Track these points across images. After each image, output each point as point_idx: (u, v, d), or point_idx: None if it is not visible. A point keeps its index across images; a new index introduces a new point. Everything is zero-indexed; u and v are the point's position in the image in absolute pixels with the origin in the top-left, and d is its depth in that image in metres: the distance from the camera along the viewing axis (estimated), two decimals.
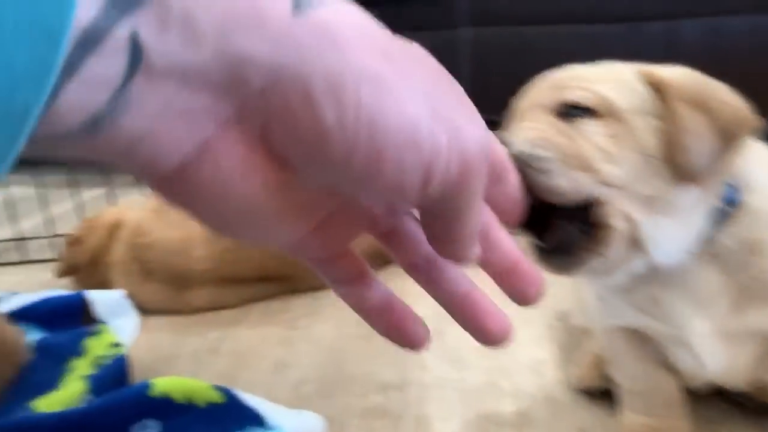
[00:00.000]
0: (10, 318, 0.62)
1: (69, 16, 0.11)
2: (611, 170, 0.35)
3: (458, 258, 0.18)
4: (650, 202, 0.35)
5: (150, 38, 0.12)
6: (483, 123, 0.17)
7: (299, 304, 0.71)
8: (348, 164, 0.14)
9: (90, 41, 0.12)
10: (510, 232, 0.21)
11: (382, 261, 0.59)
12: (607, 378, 0.47)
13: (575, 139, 0.35)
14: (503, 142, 0.36)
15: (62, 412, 0.46)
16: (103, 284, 0.70)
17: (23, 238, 0.90)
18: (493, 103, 1.33)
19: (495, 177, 0.19)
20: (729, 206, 0.37)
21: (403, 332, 0.21)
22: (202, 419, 0.45)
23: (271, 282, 0.72)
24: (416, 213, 0.20)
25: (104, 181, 1.19)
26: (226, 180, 0.15)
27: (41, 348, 0.60)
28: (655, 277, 0.38)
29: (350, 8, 0.15)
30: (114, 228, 0.72)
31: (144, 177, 0.16)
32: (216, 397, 0.46)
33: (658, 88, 0.36)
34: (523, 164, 0.34)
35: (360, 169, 0.14)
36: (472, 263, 0.19)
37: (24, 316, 0.63)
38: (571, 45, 1.14)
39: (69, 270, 0.72)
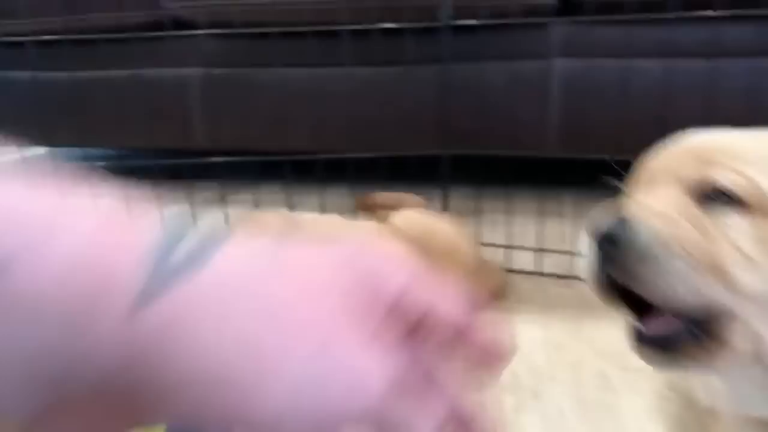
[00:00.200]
0: None
1: None
2: (750, 281, 0.28)
3: None
4: None
5: None
6: (383, 342, 0.16)
7: None
8: None
9: None
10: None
11: None
12: None
13: (712, 235, 0.29)
14: (625, 223, 0.31)
15: None
16: None
17: None
18: (584, 141, 1.25)
19: (452, 339, 0.18)
20: None
21: None
22: None
23: None
24: None
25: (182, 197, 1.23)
26: None
27: None
28: None
29: (235, 261, 0.15)
30: None
31: None
32: None
33: None
34: (638, 259, 0.29)
35: None
36: None
37: None
38: (675, 81, 1.04)
39: None
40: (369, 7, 1.03)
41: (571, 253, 0.88)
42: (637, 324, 0.32)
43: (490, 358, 0.19)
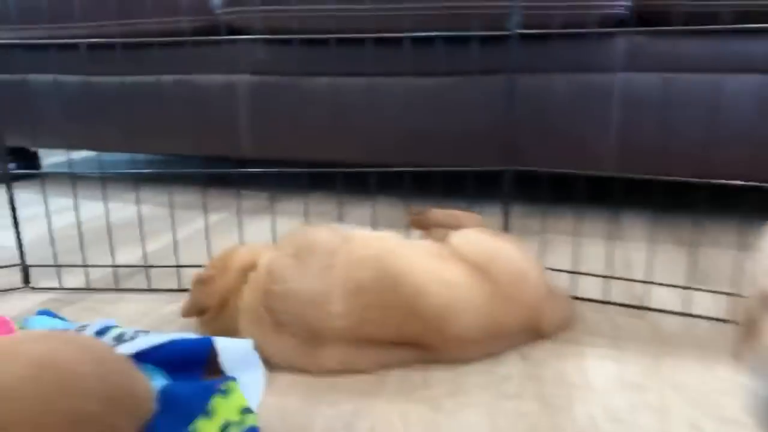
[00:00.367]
0: (134, 360, 0.60)
1: None
2: None
3: None
4: None
5: None
6: None
7: (441, 378, 0.61)
8: None
9: None
10: None
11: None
12: None
13: None
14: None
15: None
16: (229, 330, 0.65)
17: (150, 266, 0.89)
18: (641, 159, 1.17)
19: None
20: None
21: None
22: None
23: (410, 349, 0.63)
24: None
25: (228, 204, 1.20)
26: None
27: (165, 399, 0.56)
28: None
29: None
30: (247, 270, 0.68)
31: None
32: None
33: None
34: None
35: None
36: None
37: (148, 358, 0.60)
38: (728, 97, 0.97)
39: (195, 311, 0.69)
40: (434, 14, 0.98)
41: (643, 282, 0.81)
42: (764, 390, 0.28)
43: None
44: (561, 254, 0.97)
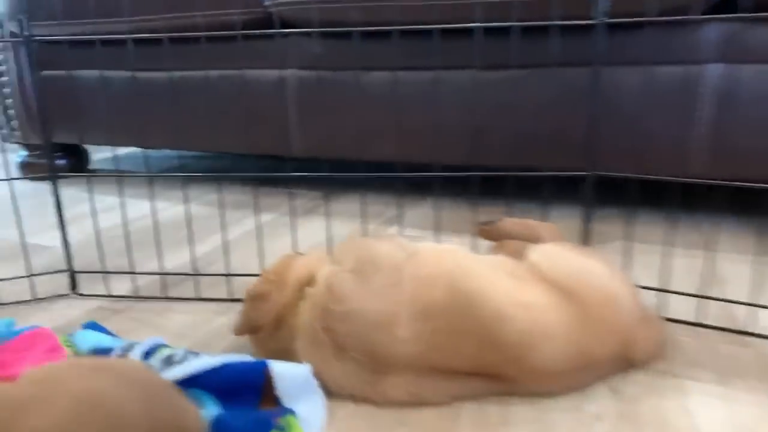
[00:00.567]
0: (185, 385, 0.55)
1: None
2: None
3: None
4: None
5: None
6: None
7: (522, 417, 0.54)
8: None
9: None
10: None
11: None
12: None
13: None
14: None
15: None
16: (285, 350, 0.59)
17: (199, 274, 0.84)
18: (739, 158, 1.05)
19: None
20: None
21: None
22: None
23: (485, 379, 0.56)
24: None
25: (280, 203, 1.15)
26: None
27: (218, 429, 0.52)
28: None
29: None
30: (304, 284, 0.62)
31: None
32: None
33: None
34: None
35: None
36: None
37: (199, 383, 0.55)
38: None
39: (249, 329, 0.63)
40: (508, 1, 0.90)
41: (748, 304, 0.71)
42: None
43: None
44: (647, 266, 0.88)
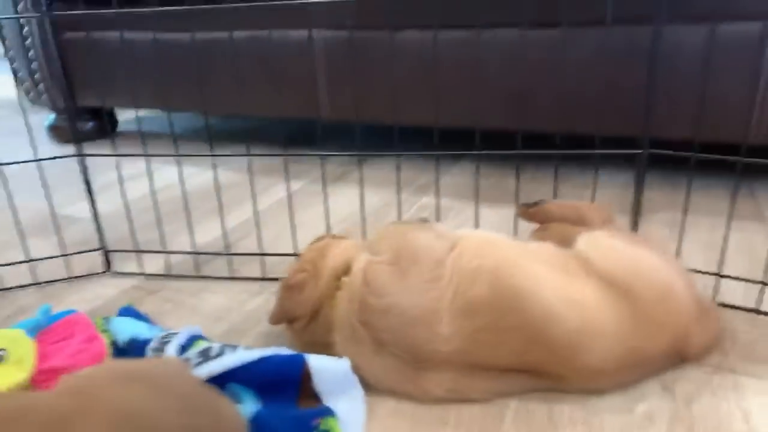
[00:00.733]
0: (223, 379, 0.54)
1: None
2: None
3: None
4: None
5: None
6: None
7: (569, 417, 0.52)
8: None
9: None
10: None
11: None
12: None
13: None
14: None
15: None
16: (322, 341, 0.58)
17: (232, 254, 0.83)
18: None
19: None
20: None
21: None
22: None
23: (529, 376, 0.54)
24: None
25: (311, 168, 1.11)
26: None
27: (258, 428, 0.51)
28: None
29: None
30: (340, 274, 0.60)
31: None
32: None
33: None
34: None
35: None
36: None
37: (236, 377, 0.54)
38: None
39: (285, 319, 0.62)
40: None
41: None
42: None
43: None
44: (700, 243, 0.83)
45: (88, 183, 0.81)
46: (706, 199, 1.00)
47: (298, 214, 1.01)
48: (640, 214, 0.75)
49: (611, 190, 1.05)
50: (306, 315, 0.60)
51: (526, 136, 0.74)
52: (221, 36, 1.29)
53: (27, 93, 1.56)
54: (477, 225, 0.82)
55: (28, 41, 1.52)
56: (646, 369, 0.55)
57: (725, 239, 0.67)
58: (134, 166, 1.07)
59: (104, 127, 1.64)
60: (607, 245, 0.57)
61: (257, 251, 0.81)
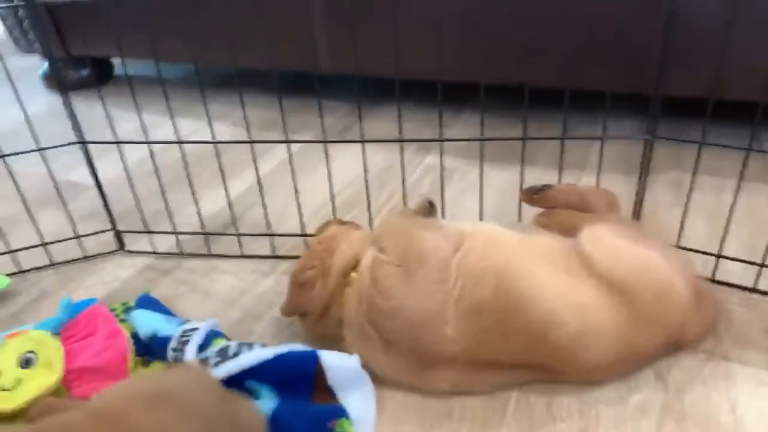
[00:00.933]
0: (240, 377, 0.57)
1: None
2: None
3: None
4: None
5: None
6: None
7: (565, 406, 0.56)
8: None
9: None
10: None
11: None
12: None
13: None
14: None
15: None
16: (333, 335, 0.61)
17: (241, 234, 0.83)
18: None
19: None
20: None
21: None
22: None
23: (530, 370, 0.57)
24: None
25: (310, 121, 1.08)
26: None
27: (276, 426, 0.55)
28: None
29: None
30: (349, 270, 0.61)
31: None
32: None
33: None
34: None
35: None
36: None
37: (254, 374, 0.58)
38: None
39: (296, 313, 0.64)
40: None
41: None
42: None
43: None
44: (704, 208, 0.84)
45: (92, 167, 0.82)
46: (714, 159, 0.98)
47: (302, 179, 1.01)
48: (649, 170, 0.74)
49: (620, 143, 1.04)
50: (316, 311, 0.62)
51: (532, 90, 0.72)
52: None
53: (17, 42, 1.51)
54: (481, 189, 0.81)
55: None
56: (642, 361, 0.58)
57: (729, 219, 0.67)
58: (127, 122, 1.05)
59: (101, 75, 1.60)
60: (609, 245, 0.58)
61: (264, 224, 0.82)
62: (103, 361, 0.62)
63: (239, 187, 1.02)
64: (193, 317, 0.71)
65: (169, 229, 0.84)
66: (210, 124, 0.78)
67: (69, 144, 0.80)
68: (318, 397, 0.58)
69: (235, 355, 0.59)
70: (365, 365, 0.58)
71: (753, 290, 0.68)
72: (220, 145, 0.79)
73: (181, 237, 0.86)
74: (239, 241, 0.83)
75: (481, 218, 0.80)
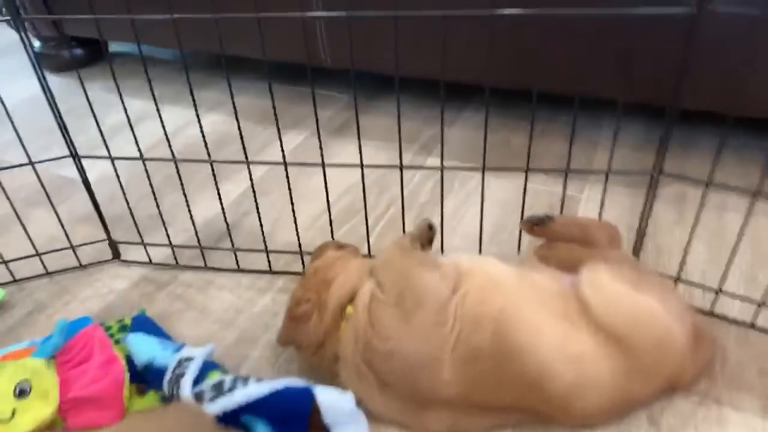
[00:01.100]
0: (236, 412, 0.58)
1: None
2: None
3: None
4: None
5: None
6: None
7: None
8: None
9: None
10: None
11: None
12: None
13: None
14: None
15: None
16: (328, 369, 0.61)
17: (238, 249, 0.82)
18: None
19: None
20: None
21: None
22: None
23: (524, 413, 0.57)
24: None
25: (305, 114, 1.06)
26: None
27: None
28: None
29: None
30: (344, 304, 0.61)
31: None
32: None
33: None
34: None
35: None
36: None
37: (249, 409, 0.58)
38: None
39: (291, 344, 0.64)
40: None
41: None
42: None
43: None
44: (709, 230, 0.82)
45: (84, 175, 0.80)
46: (718, 172, 0.96)
47: (299, 184, 0.99)
48: (645, 235, 0.73)
49: (627, 147, 1.02)
50: (312, 345, 0.62)
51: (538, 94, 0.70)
52: None
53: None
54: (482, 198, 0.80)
55: None
56: (637, 406, 0.58)
57: (730, 260, 0.66)
58: (119, 113, 1.02)
59: (95, 54, 1.56)
60: (607, 290, 0.57)
61: (260, 236, 0.81)
62: (99, 390, 0.62)
63: (237, 189, 1.01)
64: (188, 339, 0.71)
65: (165, 236, 0.83)
66: (199, 121, 0.76)
67: (61, 158, 0.78)
68: None
69: (230, 390, 0.59)
70: (360, 402, 0.58)
71: (751, 326, 0.68)
72: (215, 142, 0.77)
73: (177, 240, 0.85)
74: (235, 255, 0.82)
75: (480, 236, 0.79)
